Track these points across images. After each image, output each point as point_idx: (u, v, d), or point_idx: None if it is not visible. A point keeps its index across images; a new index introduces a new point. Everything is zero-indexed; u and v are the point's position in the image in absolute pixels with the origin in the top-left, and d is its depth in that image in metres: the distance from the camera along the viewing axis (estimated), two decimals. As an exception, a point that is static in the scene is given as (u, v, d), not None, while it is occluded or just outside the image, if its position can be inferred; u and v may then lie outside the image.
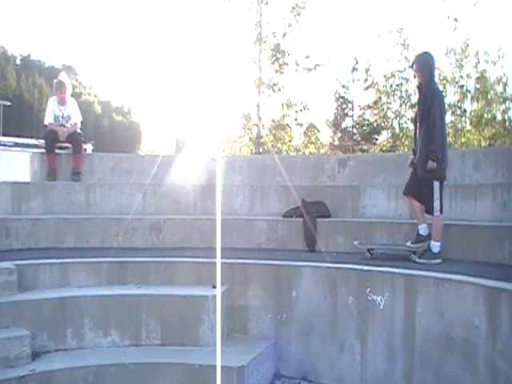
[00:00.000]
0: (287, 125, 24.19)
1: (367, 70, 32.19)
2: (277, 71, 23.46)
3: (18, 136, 26.10)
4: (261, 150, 22.45)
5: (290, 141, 24.42)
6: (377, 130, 32.90)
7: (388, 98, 27.93)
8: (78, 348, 5.69)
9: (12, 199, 8.54)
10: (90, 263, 6.52)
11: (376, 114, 32.07)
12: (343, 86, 34.16)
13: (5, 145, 23.40)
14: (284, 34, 23.25)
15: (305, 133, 24.97)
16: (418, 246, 6.48)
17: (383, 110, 28.56)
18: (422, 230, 6.52)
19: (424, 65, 6.47)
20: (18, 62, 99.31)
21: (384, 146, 30.25)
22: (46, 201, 8.63)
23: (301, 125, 24.51)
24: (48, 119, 9.39)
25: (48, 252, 7.03)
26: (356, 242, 7.09)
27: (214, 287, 6.11)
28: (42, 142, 9.59)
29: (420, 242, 6.49)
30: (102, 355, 5.48)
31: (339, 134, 35.26)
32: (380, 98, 28.25)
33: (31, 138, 21.03)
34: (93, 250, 7.37)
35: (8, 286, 5.71)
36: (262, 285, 6.40)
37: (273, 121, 24.01)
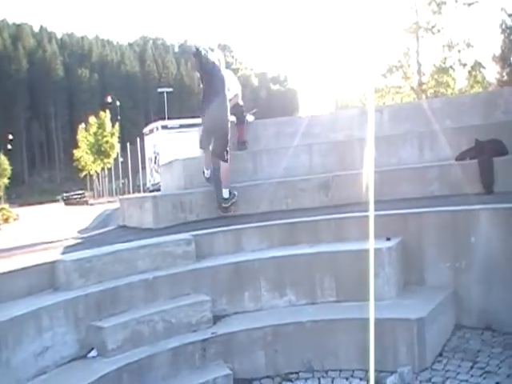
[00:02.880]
0: (450, 67, 22.92)
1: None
2: (434, 12, 22.25)
3: (182, 118, 27.32)
4: (424, 98, 21.52)
5: (453, 84, 23.16)
6: (552, 59, 30.15)
7: None
8: (255, 310, 5.78)
9: (184, 175, 8.89)
10: (261, 227, 6.60)
11: (551, 41, 29.33)
12: (510, 15, 31.62)
13: (171, 127, 24.61)
14: (441, -29, 21.93)
15: (469, 72, 23.50)
16: None
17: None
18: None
19: None
20: (176, 49, 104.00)
21: None
22: (216, 173, 8.86)
23: (464, 65, 23.09)
24: None
25: (220, 221, 7.21)
26: None
27: (388, 239, 5.93)
28: None
29: None
30: (278, 315, 5.52)
31: (507, 69, 32.82)
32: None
33: (193, 118, 21.97)
34: (263, 214, 7.47)
35: (187, 256, 5.93)
36: (438, 233, 6.04)
37: (434, 65, 22.87)
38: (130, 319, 4.96)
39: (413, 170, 7.83)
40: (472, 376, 4.83)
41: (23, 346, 4.37)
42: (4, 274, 4.95)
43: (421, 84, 22.37)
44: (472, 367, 4.96)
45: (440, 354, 5.24)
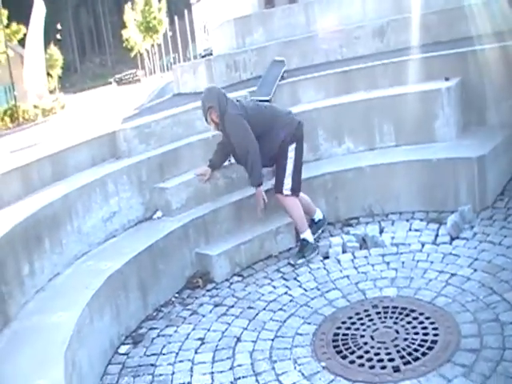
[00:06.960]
0: None
1: None
2: None
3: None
4: None
5: None
6: None
7: None
8: (314, 160, 5.79)
9: (236, 34, 8.76)
10: (316, 78, 6.51)
11: None
12: None
13: None
14: None
15: None
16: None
17: None
18: None
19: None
20: None
21: None
22: (268, 29, 8.69)
23: None
24: None
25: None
26: None
27: (447, 79, 5.72)
28: None
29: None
30: (337, 163, 5.50)
31: None
32: None
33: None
34: (318, 66, 7.37)
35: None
36: (501, 69, 5.70)
37: None
38: (193, 177, 5.06)
39: (472, 8, 7.35)
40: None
41: (92, 213, 4.57)
42: (68, 148, 5.07)
43: None
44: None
45: (501, 193, 5.19)
